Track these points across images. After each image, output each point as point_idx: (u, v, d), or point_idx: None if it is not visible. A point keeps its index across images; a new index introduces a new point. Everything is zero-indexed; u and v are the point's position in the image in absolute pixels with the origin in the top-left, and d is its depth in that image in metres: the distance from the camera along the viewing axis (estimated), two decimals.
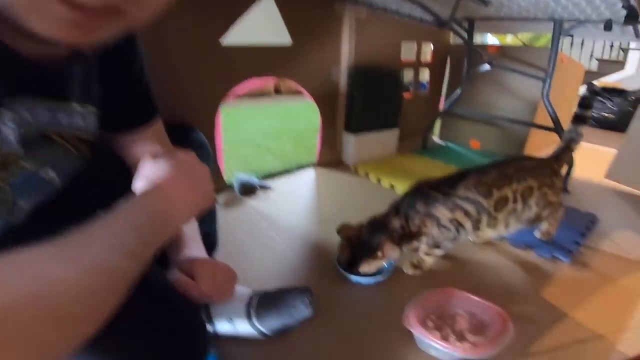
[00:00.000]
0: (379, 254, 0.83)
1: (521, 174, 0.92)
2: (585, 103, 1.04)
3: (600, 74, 3.73)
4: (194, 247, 0.67)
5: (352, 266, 0.86)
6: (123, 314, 0.36)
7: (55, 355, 0.31)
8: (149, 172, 0.49)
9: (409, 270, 0.93)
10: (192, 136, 0.85)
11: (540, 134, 1.80)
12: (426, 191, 0.88)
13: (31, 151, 0.50)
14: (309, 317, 0.73)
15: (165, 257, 0.65)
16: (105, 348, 0.39)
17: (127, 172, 0.65)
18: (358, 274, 0.87)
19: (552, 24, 1.44)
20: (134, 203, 0.43)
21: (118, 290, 0.37)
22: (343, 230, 0.91)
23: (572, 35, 1.96)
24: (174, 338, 0.47)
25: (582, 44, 3.85)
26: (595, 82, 3.07)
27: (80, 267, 0.34)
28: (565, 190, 1.46)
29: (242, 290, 0.74)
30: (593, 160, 1.83)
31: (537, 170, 0.95)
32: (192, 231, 0.69)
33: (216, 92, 1.28)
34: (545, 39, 3.41)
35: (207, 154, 0.86)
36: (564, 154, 1.05)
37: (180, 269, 0.60)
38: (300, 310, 0.72)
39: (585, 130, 1.05)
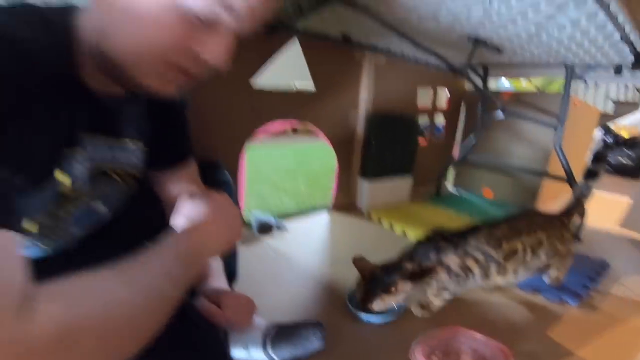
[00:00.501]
0: (393, 289, 0.86)
1: (531, 227, 0.96)
2: (598, 157, 1.08)
3: (616, 115, 3.63)
4: (218, 279, 0.72)
5: (365, 302, 0.89)
6: (162, 333, 0.40)
7: None
8: (188, 211, 0.54)
9: (417, 312, 0.95)
10: (218, 174, 0.90)
11: (553, 183, 1.75)
12: (438, 241, 0.92)
13: (93, 185, 0.56)
14: (319, 349, 0.77)
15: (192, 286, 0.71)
16: None
17: (159, 206, 0.71)
18: (370, 311, 0.89)
19: (564, 69, 1.47)
20: (177, 238, 0.47)
21: (163, 313, 0.41)
22: (359, 261, 0.94)
23: (585, 80, 1.99)
24: (202, 356, 0.52)
25: (595, 85, 3.80)
26: (610, 125, 3.08)
27: (136, 291, 0.38)
28: (577, 239, 1.47)
29: (259, 321, 0.79)
30: (608, 208, 1.83)
31: (547, 224, 0.98)
32: (216, 264, 0.74)
33: (243, 132, 1.35)
34: (559, 83, 3.46)
35: (231, 192, 0.90)
36: (574, 209, 1.08)
37: (207, 297, 0.65)
38: (312, 343, 0.76)
39: (602, 178, 1.08)
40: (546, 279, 1.09)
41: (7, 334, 0.26)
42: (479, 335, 0.77)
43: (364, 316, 0.92)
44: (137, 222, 0.70)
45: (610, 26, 0.92)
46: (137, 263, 0.41)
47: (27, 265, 0.33)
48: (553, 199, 2.04)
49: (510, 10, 0.92)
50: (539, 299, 1.04)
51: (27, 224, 0.49)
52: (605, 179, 1.20)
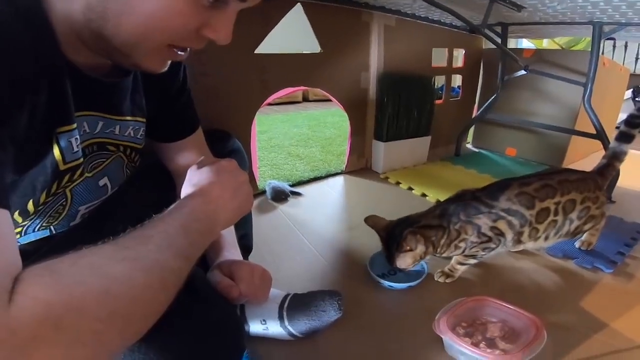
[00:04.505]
0: (406, 247, 0.83)
1: (565, 186, 0.89)
2: (632, 122, 0.98)
3: None
4: (232, 250, 0.70)
5: (389, 260, 0.87)
6: (170, 310, 0.38)
7: (114, 350, 0.33)
8: (195, 179, 0.52)
9: (440, 279, 0.92)
10: (229, 143, 0.88)
11: (581, 141, 1.71)
12: (468, 199, 0.87)
13: (90, 161, 0.55)
14: (337, 319, 0.74)
15: (204, 258, 0.69)
16: (151, 342, 0.40)
17: (165, 179, 0.71)
18: (397, 269, 0.87)
19: (591, 27, 1.38)
20: (183, 207, 0.45)
21: (170, 289, 0.38)
22: (371, 220, 0.91)
23: (613, 39, 1.86)
24: (215, 334, 0.50)
25: (625, 46, 3.62)
26: None
27: (138, 267, 0.35)
28: (610, 200, 1.39)
29: (275, 292, 0.76)
30: None
31: (580, 184, 0.91)
32: (229, 235, 0.72)
33: (252, 102, 1.33)
34: (584, 43, 3.23)
35: (243, 160, 0.89)
36: (607, 170, 1.00)
37: (220, 270, 0.62)
38: (330, 313, 0.74)
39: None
40: (577, 243, 1.03)
41: None
42: (507, 306, 0.73)
43: (385, 282, 0.89)
44: (143, 195, 0.69)
45: None
46: (138, 236, 0.38)
47: (16, 247, 0.32)
48: (581, 158, 1.96)
49: None
50: (571, 266, 0.99)
51: (29, 205, 0.49)
52: None
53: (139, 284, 0.34)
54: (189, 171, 0.54)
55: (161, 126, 0.67)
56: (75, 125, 0.48)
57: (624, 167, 1.12)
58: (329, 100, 1.60)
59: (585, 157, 1.98)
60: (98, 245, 0.35)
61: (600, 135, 1.44)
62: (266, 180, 1.50)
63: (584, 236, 1.01)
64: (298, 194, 1.45)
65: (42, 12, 0.42)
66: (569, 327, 0.76)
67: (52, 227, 0.56)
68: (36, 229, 0.54)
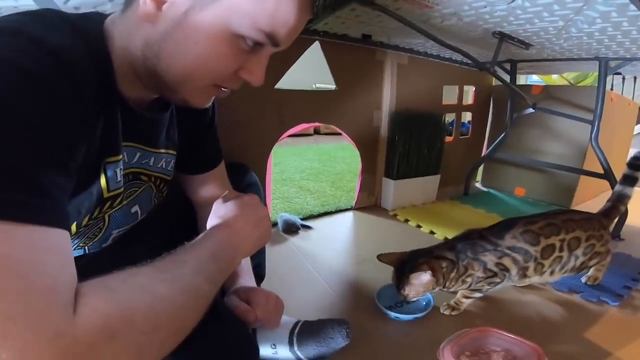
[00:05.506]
0: (420, 271, 0.84)
1: (569, 225, 0.92)
2: (635, 164, 1.02)
3: None
4: (247, 278, 0.74)
5: (399, 289, 0.89)
6: (195, 329, 0.41)
7: None
8: (221, 212, 0.56)
9: (446, 311, 0.94)
10: (247, 177, 0.93)
11: (591, 180, 1.68)
12: (475, 237, 0.91)
13: (127, 189, 0.60)
14: (345, 346, 0.77)
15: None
16: (176, 357, 0.42)
17: (187, 207, 0.75)
18: (405, 298, 0.88)
19: (597, 63, 1.40)
20: (212, 236, 0.50)
21: (201, 309, 0.42)
22: (384, 257, 0.94)
23: (620, 74, 1.87)
24: (234, 352, 0.54)
25: (634, 79, 3.64)
26: None
27: (177, 288, 0.39)
28: (619, 237, 1.40)
29: (286, 319, 0.80)
30: None
31: (585, 223, 0.94)
32: (245, 263, 0.76)
33: (270, 136, 1.39)
34: (592, 78, 3.26)
35: (259, 194, 0.94)
36: (612, 212, 1.03)
37: (237, 295, 0.66)
38: (337, 341, 0.76)
39: None
40: (584, 279, 1.04)
41: (54, 328, 0.28)
42: (510, 336, 0.74)
43: (391, 314, 0.91)
44: (167, 224, 0.74)
45: None
46: (175, 260, 0.42)
47: (74, 263, 0.35)
48: (591, 198, 1.94)
49: (535, 4, 0.89)
50: (576, 299, 1.00)
51: (73, 226, 0.52)
52: None
53: (177, 303, 0.38)
54: (215, 204, 0.59)
55: (188, 159, 0.71)
56: (121, 157, 0.52)
57: (633, 205, 1.14)
58: (340, 133, 1.65)
59: (595, 196, 1.97)
60: (139, 266, 0.38)
61: (607, 175, 1.44)
62: (278, 213, 1.55)
63: (590, 271, 1.03)
64: (308, 227, 1.50)
65: (106, 48, 0.46)
66: (573, 356, 0.77)
67: (86, 247, 0.60)
68: (73, 248, 0.57)
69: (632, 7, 0.82)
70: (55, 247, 0.32)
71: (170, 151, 0.66)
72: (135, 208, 0.64)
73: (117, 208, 0.58)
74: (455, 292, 0.95)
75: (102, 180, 0.51)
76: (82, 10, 0.88)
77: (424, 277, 0.85)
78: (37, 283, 0.29)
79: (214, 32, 0.43)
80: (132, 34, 0.47)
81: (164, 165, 0.65)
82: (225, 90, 0.52)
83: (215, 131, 0.75)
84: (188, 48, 0.44)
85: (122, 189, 0.56)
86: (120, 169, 0.53)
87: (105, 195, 0.53)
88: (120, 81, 0.48)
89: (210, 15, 0.43)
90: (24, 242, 0.30)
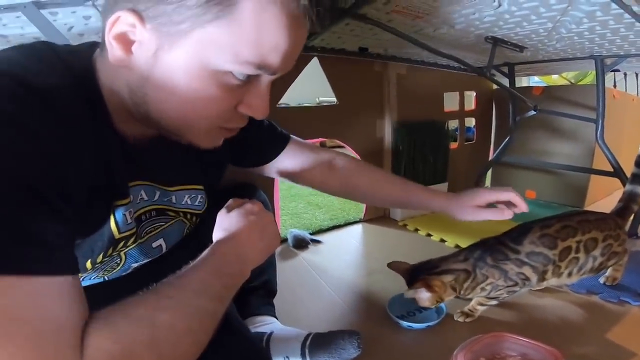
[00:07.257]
0: (430, 283, 0.85)
1: (585, 226, 0.90)
2: None
3: None
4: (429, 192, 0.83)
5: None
6: (208, 343, 0.41)
7: None
8: (225, 223, 0.54)
9: (460, 318, 0.92)
10: (255, 196, 0.90)
11: (602, 179, 1.64)
12: (494, 245, 0.90)
13: (146, 226, 0.57)
14: (356, 357, 0.76)
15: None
16: None
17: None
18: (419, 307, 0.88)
19: (593, 61, 1.39)
20: (215, 252, 0.48)
21: (209, 329, 0.41)
22: (394, 265, 0.94)
23: (619, 70, 1.84)
24: None
25: (637, 76, 3.60)
26: None
27: (179, 315, 0.38)
28: (636, 236, 1.36)
29: (298, 332, 0.80)
30: None
31: (601, 223, 0.92)
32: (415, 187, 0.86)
33: None
34: (591, 76, 3.25)
35: (268, 210, 0.94)
36: (625, 212, 1.01)
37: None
38: (349, 351, 0.76)
39: None
40: (602, 279, 1.01)
41: None
42: (526, 340, 0.72)
43: (404, 323, 0.90)
44: (193, 250, 0.75)
45: (628, 15, 0.87)
46: (177, 284, 0.41)
47: (85, 305, 0.35)
48: (604, 197, 1.90)
49: (521, 8, 0.90)
50: (595, 300, 0.97)
51: (87, 264, 0.52)
52: None
53: (180, 330, 0.38)
54: (218, 215, 0.57)
55: (253, 154, 0.73)
56: (130, 199, 0.50)
57: None
58: (345, 147, 1.65)
59: (608, 195, 1.93)
60: (143, 295, 0.38)
61: (617, 172, 1.41)
62: (287, 229, 1.56)
63: (608, 272, 1.00)
64: (318, 241, 1.50)
65: (96, 86, 0.43)
66: (596, 358, 0.75)
67: (105, 277, 0.59)
68: (92, 279, 0.57)
69: (614, 5, 0.82)
70: (57, 293, 0.33)
71: (193, 186, 0.63)
72: (159, 242, 0.62)
73: (132, 247, 0.56)
74: (471, 299, 0.94)
75: (112, 224, 0.49)
76: (85, 37, 0.92)
77: (422, 294, 0.85)
78: (43, 328, 0.30)
79: (191, 72, 0.39)
80: (115, 78, 0.43)
81: (188, 202, 0.62)
82: (233, 129, 0.49)
83: (266, 122, 0.75)
84: (171, 92, 0.40)
85: (135, 229, 0.53)
86: (131, 211, 0.51)
87: (117, 236, 0.51)
88: (116, 119, 0.45)
89: (183, 54, 0.38)
90: (24, 292, 0.30)
